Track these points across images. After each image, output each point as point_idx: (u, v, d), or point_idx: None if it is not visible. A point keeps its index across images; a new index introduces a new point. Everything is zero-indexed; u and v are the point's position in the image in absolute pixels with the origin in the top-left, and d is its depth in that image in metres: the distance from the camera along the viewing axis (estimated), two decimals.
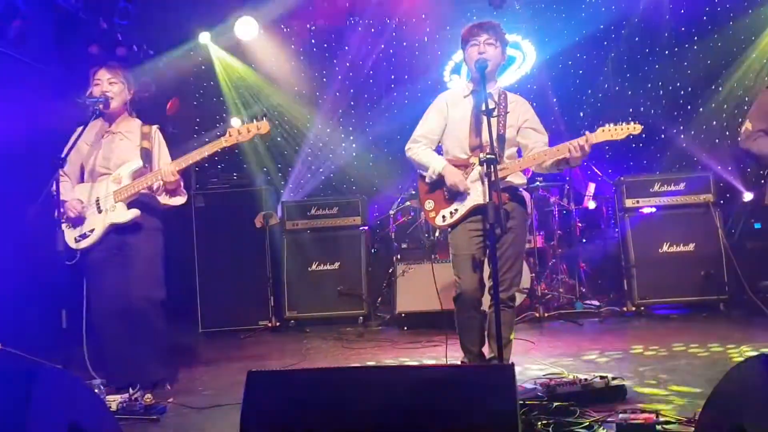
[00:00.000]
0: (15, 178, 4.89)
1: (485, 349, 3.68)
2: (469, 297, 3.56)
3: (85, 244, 3.77)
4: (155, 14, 6.30)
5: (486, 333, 3.67)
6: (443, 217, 3.61)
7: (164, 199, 3.85)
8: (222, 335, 6.30)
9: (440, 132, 3.71)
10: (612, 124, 3.39)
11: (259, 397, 2.10)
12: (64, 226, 3.80)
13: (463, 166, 3.60)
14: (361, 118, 7.72)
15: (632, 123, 3.39)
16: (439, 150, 3.77)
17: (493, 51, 3.53)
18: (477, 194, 3.52)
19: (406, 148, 3.76)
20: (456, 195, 3.58)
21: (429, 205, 3.66)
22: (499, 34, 3.57)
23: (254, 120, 3.63)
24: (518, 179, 3.68)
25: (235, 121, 3.55)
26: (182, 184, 3.90)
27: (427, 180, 3.66)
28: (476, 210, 3.53)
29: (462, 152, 3.63)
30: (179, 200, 3.89)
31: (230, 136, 3.63)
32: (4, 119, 5.15)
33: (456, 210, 3.58)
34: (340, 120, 7.79)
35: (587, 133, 3.36)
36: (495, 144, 3.44)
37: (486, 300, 3.52)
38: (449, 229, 3.66)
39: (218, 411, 3.49)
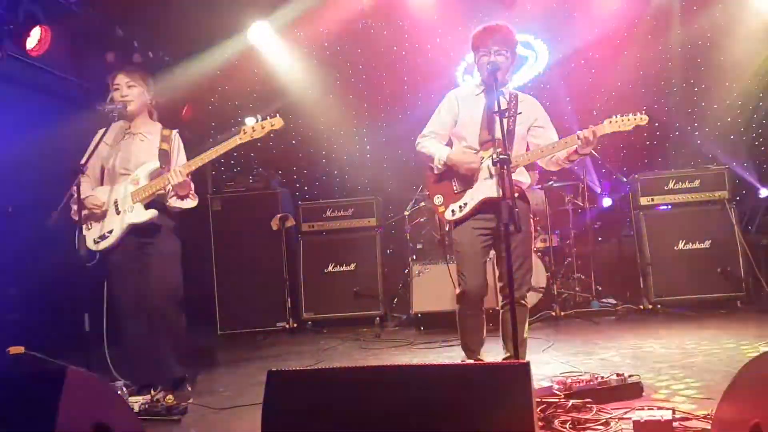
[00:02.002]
0: (36, 184, 4.97)
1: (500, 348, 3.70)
2: (472, 295, 3.59)
3: (104, 245, 3.82)
4: (170, 21, 6.37)
5: (500, 333, 3.70)
6: (452, 211, 3.61)
7: (174, 202, 3.87)
8: (240, 337, 6.36)
9: (450, 128, 3.73)
10: (619, 116, 3.41)
11: (279, 396, 2.13)
12: (84, 227, 3.86)
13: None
14: (375, 119, 7.75)
15: (639, 114, 3.40)
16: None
17: (503, 59, 3.55)
18: (487, 188, 3.53)
19: (416, 143, 3.78)
20: (466, 187, 3.59)
21: (438, 199, 3.68)
22: (509, 43, 3.59)
23: (268, 117, 3.66)
24: (524, 178, 3.69)
25: (249, 120, 3.58)
26: (193, 187, 3.91)
27: (435, 171, 3.67)
28: (486, 205, 3.54)
29: (471, 147, 3.65)
30: (189, 203, 3.90)
31: (244, 133, 3.66)
32: (23, 126, 5.25)
33: (466, 204, 3.59)
34: (354, 122, 7.83)
35: (592, 126, 3.39)
36: (505, 140, 3.48)
37: (495, 299, 3.53)
38: (454, 226, 3.67)
39: (238, 411, 3.54)
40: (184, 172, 3.72)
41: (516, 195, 3.54)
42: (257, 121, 3.68)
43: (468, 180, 3.60)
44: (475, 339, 3.69)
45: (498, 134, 3.47)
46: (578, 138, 3.40)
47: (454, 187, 3.63)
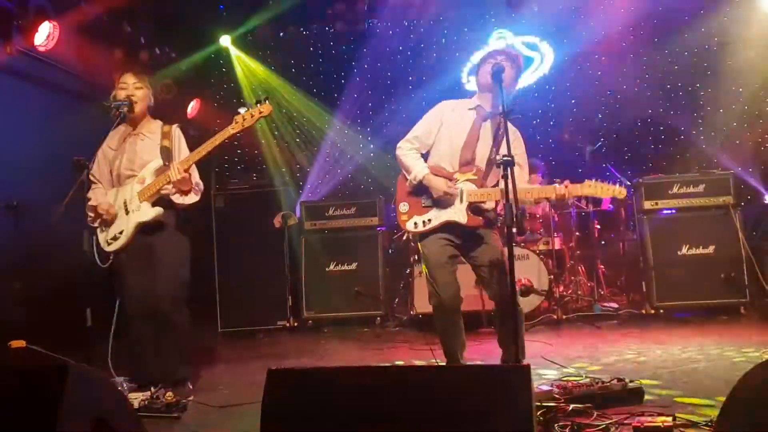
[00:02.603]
0: (42, 179, 4.99)
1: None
2: (448, 304, 3.60)
3: (116, 246, 3.84)
4: (177, 17, 6.38)
5: (498, 340, 3.70)
6: (415, 223, 3.64)
7: (177, 199, 3.86)
8: (241, 335, 6.37)
9: (433, 137, 3.72)
10: (599, 181, 3.40)
11: (278, 395, 2.13)
12: (98, 230, 3.89)
13: (446, 178, 3.61)
14: (379, 118, 7.76)
15: (619, 186, 3.40)
16: (425, 156, 3.77)
17: (508, 68, 3.54)
18: (454, 212, 3.55)
19: (397, 146, 3.78)
20: (434, 205, 3.60)
21: (404, 207, 3.70)
22: (516, 63, 3.60)
23: (258, 104, 3.66)
24: (489, 205, 3.66)
25: (242, 109, 3.56)
26: (199, 183, 3.92)
27: (407, 184, 3.69)
28: (448, 225, 3.56)
29: (449, 165, 3.64)
30: (192, 198, 3.90)
31: (236, 123, 3.64)
32: (31, 121, 5.26)
33: (429, 220, 3.60)
34: (359, 121, 7.83)
35: (569, 184, 3.39)
36: (483, 166, 3.53)
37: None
38: (419, 238, 3.68)
39: (238, 409, 3.54)
40: (181, 169, 3.73)
41: (482, 222, 3.56)
42: (247, 109, 3.67)
43: (438, 201, 3.60)
44: (456, 344, 3.69)
45: (479, 153, 3.51)
46: (555, 193, 3.40)
47: (423, 201, 3.65)
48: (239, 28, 7.20)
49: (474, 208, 3.56)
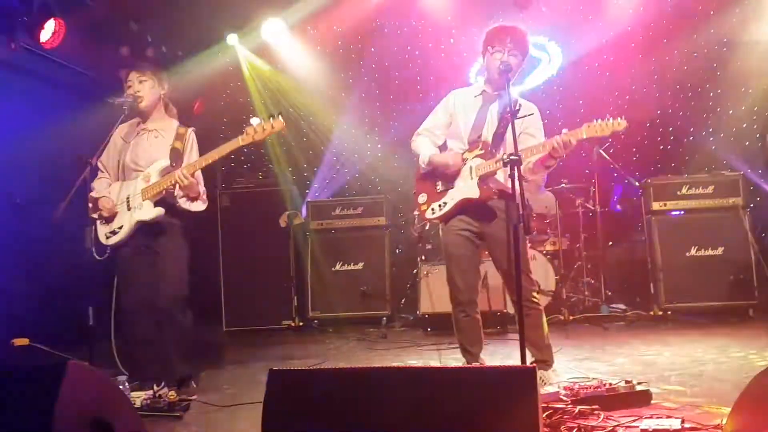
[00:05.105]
0: (45, 177, 4.99)
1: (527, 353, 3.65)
2: (464, 298, 3.60)
3: (114, 240, 3.85)
4: (184, 16, 6.37)
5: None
6: (432, 209, 3.64)
7: (183, 204, 3.85)
8: (245, 334, 6.35)
9: (445, 127, 3.74)
10: (598, 120, 3.33)
11: (279, 396, 2.11)
12: (98, 222, 3.88)
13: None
14: (387, 118, 7.72)
15: (617, 119, 3.30)
16: (445, 148, 3.76)
17: (516, 61, 3.53)
18: (467, 188, 3.53)
19: (411, 140, 3.82)
20: (448, 188, 3.59)
21: (422, 198, 3.71)
22: (524, 47, 3.58)
23: (270, 119, 3.65)
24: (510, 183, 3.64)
25: (254, 120, 3.56)
26: (203, 192, 3.90)
27: (421, 170, 3.70)
28: (468, 206, 3.53)
29: (460, 146, 3.65)
30: (198, 206, 3.89)
31: (247, 135, 3.64)
32: (35, 119, 5.26)
33: (445, 203, 3.60)
34: (366, 120, 7.80)
35: (566, 130, 3.33)
36: (490, 141, 3.51)
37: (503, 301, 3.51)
38: (441, 229, 3.68)
39: (241, 409, 3.51)
40: (186, 173, 3.71)
41: (496, 192, 3.54)
42: (260, 122, 3.66)
43: (450, 181, 3.60)
44: (470, 339, 3.67)
45: (485, 134, 3.50)
46: (555, 143, 3.31)
47: (438, 187, 3.66)
48: (246, 27, 7.18)
49: (485, 181, 3.54)
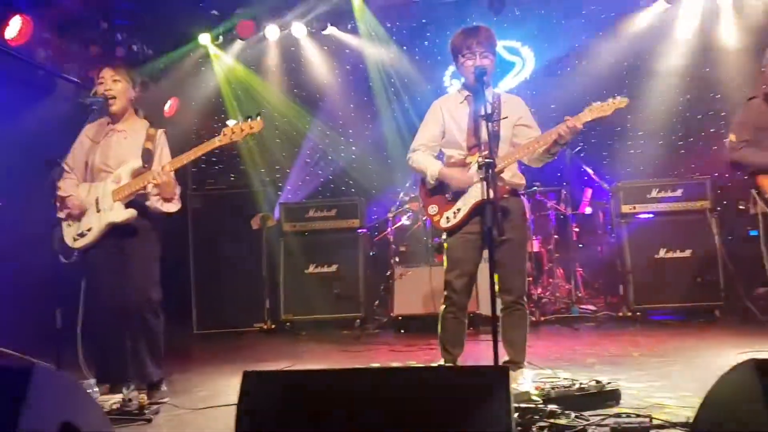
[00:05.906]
0: (12, 177, 4.88)
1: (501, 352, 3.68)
2: (459, 300, 3.62)
3: (82, 243, 3.76)
4: (155, 14, 6.30)
5: (501, 337, 3.68)
6: (447, 218, 3.64)
7: (156, 203, 3.80)
8: (217, 337, 6.29)
9: (438, 139, 3.75)
10: (599, 102, 3.39)
11: (253, 397, 2.09)
12: (64, 224, 3.80)
13: (461, 165, 3.64)
14: (361, 121, 7.73)
15: (618, 97, 3.38)
16: (440, 157, 3.79)
17: (489, 62, 3.58)
18: (477, 192, 3.53)
19: (407, 158, 3.82)
20: (458, 195, 3.61)
21: (433, 209, 3.69)
22: (492, 44, 3.62)
23: (249, 119, 3.62)
24: (518, 180, 3.71)
25: (230, 122, 3.53)
26: (178, 191, 3.86)
27: (428, 186, 3.70)
28: (479, 209, 3.54)
29: (459, 152, 3.67)
30: (172, 207, 3.84)
31: (224, 135, 3.61)
32: (3, 118, 5.15)
33: (459, 210, 3.61)
34: (340, 122, 7.79)
35: (569, 118, 3.38)
36: (489, 141, 3.48)
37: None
38: (448, 234, 3.68)
39: (212, 412, 3.48)
40: (167, 171, 3.66)
41: (508, 190, 3.59)
42: (238, 123, 3.63)
43: (460, 190, 3.62)
44: (452, 341, 3.68)
45: (484, 138, 3.47)
46: (567, 126, 3.36)
47: (447, 197, 3.66)
48: (219, 26, 7.13)
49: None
